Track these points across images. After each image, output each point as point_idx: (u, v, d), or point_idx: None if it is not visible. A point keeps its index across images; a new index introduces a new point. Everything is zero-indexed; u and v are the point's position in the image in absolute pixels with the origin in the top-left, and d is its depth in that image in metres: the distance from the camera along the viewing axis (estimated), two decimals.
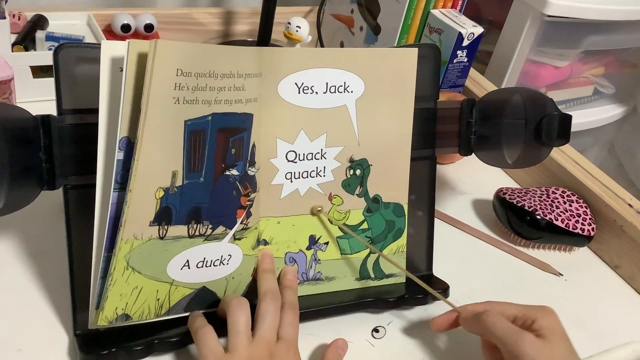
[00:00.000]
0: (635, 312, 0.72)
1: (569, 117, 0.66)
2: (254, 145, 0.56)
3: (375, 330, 0.63)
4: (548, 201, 0.76)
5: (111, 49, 0.49)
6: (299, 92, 0.58)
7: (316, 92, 0.58)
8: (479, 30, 0.90)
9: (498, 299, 0.59)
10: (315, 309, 0.61)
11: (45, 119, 0.51)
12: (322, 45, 1.07)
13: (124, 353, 0.53)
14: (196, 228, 0.54)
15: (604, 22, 1.06)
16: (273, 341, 0.53)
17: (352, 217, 0.63)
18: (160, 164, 0.50)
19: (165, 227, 0.52)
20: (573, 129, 0.67)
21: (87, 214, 0.51)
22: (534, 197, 0.77)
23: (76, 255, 0.53)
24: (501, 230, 0.79)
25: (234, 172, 0.55)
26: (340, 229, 0.62)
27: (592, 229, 0.76)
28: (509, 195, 0.77)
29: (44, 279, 0.60)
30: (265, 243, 0.60)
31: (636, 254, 0.74)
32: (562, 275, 0.74)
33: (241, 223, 0.56)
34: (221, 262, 0.56)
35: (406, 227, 0.65)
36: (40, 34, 0.86)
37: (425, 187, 0.67)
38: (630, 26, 1.11)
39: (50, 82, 0.53)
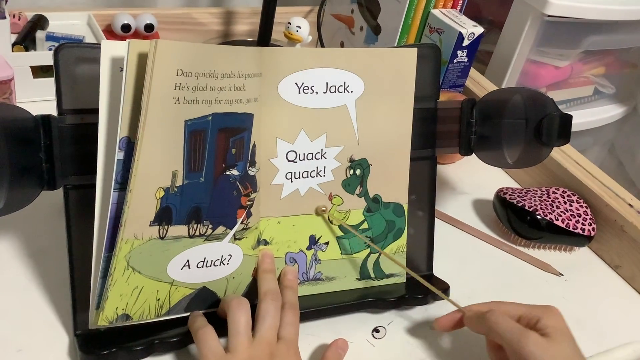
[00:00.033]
0: (635, 312, 0.72)
1: (570, 117, 0.65)
2: (254, 145, 0.56)
3: (376, 330, 0.63)
4: (548, 201, 0.76)
5: (111, 49, 0.49)
6: (299, 92, 0.58)
7: (316, 92, 0.58)
8: (479, 30, 0.90)
9: (498, 299, 0.59)
10: (315, 309, 0.61)
11: (46, 119, 0.51)
12: (322, 45, 1.07)
13: (124, 353, 0.53)
14: (196, 228, 0.54)
15: (604, 22, 1.06)
16: (273, 341, 0.53)
17: (352, 217, 0.63)
18: (160, 164, 0.50)
19: (166, 227, 0.52)
20: (573, 129, 0.67)
21: (87, 214, 0.51)
22: (535, 197, 0.77)
23: (76, 256, 0.53)
24: (501, 230, 0.79)
25: (235, 172, 0.55)
26: (340, 227, 0.62)
27: (593, 229, 0.76)
28: (510, 195, 0.77)
29: (44, 279, 0.60)
30: (266, 243, 0.60)
31: (636, 254, 0.74)
32: (562, 275, 0.74)
33: (241, 223, 0.56)
34: (221, 262, 0.56)
35: (406, 227, 0.65)
36: (40, 34, 0.85)
37: (425, 187, 0.67)
38: (631, 26, 1.10)
39: (50, 82, 0.53)
